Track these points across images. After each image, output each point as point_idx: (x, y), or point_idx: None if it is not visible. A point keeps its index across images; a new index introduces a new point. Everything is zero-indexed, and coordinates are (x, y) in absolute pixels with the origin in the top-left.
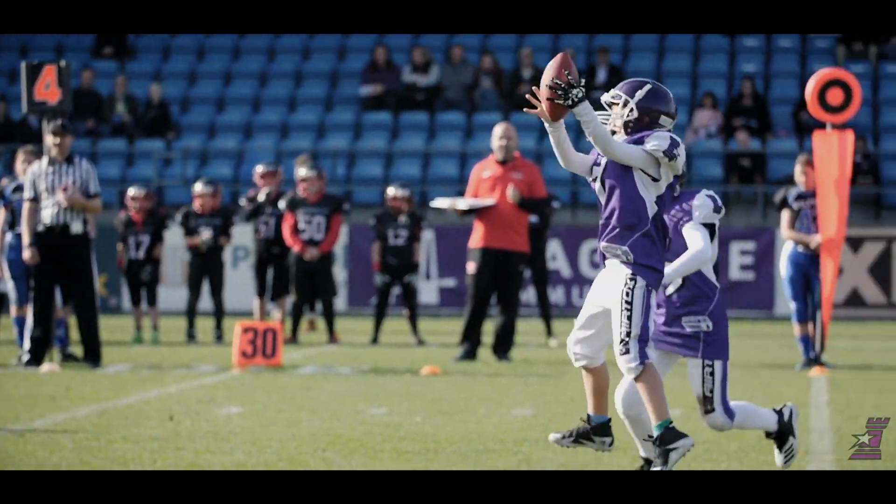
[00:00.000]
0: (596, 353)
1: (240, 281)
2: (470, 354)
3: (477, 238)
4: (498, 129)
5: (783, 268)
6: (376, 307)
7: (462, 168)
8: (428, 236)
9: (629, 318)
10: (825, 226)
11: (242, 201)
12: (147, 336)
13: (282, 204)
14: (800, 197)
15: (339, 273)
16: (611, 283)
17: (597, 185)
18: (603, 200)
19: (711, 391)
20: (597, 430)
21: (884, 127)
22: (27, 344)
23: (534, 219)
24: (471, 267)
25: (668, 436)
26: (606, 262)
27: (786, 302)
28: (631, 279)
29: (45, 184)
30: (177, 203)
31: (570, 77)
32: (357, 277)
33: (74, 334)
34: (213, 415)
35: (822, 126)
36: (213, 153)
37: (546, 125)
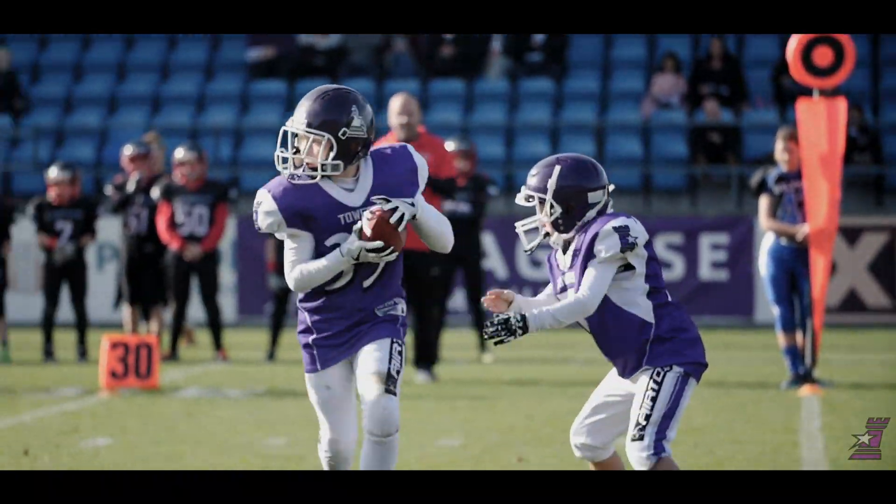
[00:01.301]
0: (604, 444)
1: (106, 286)
2: None
3: None
4: (396, 104)
5: (763, 265)
6: (272, 316)
7: None
8: None
9: (653, 399)
10: (813, 214)
11: (108, 190)
12: None
13: (155, 193)
14: (782, 179)
15: (227, 275)
16: None
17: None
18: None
19: (399, 375)
20: None
21: (885, 92)
22: None
23: (466, 208)
24: None
25: None
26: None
27: (767, 306)
28: (667, 365)
29: None
30: (27, 192)
31: (494, 322)
32: (248, 280)
33: None
34: (76, 448)
35: (808, 93)
36: (71, 131)
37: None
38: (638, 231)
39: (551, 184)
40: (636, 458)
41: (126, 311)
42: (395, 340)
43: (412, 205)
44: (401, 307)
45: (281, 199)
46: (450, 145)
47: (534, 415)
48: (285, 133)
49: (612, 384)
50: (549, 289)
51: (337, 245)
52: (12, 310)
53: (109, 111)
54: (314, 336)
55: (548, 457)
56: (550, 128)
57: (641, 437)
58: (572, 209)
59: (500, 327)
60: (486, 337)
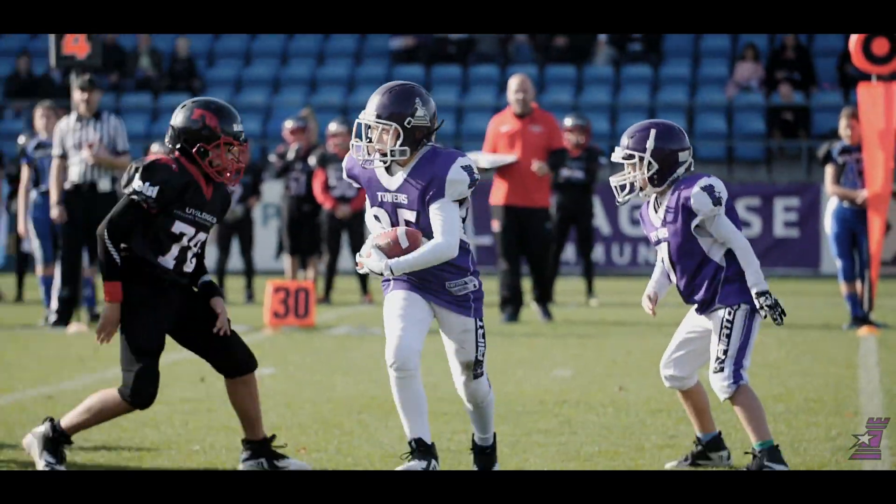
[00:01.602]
0: (688, 374)
1: (270, 239)
2: (513, 317)
3: (499, 195)
4: (513, 83)
5: (828, 224)
6: None
7: None
8: None
9: (728, 336)
10: (871, 180)
11: (272, 158)
12: None
13: (312, 160)
14: (844, 151)
15: None
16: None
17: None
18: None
19: (483, 355)
20: (710, 447)
21: None
22: (54, 304)
23: (580, 174)
24: (495, 225)
25: (771, 457)
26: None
27: (832, 260)
28: (735, 304)
29: (73, 140)
30: None
31: None
32: None
33: (102, 294)
34: None
35: (867, 78)
36: (241, 108)
37: None
38: (721, 188)
39: (649, 144)
40: (719, 387)
41: (287, 261)
42: (479, 326)
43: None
44: (472, 284)
45: (347, 164)
46: (568, 121)
47: (633, 350)
48: (359, 125)
49: (692, 322)
50: (657, 270)
51: (377, 218)
52: None
53: (273, 91)
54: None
55: (645, 387)
56: (649, 107)
57: (722, 370)
58: (665, 167)
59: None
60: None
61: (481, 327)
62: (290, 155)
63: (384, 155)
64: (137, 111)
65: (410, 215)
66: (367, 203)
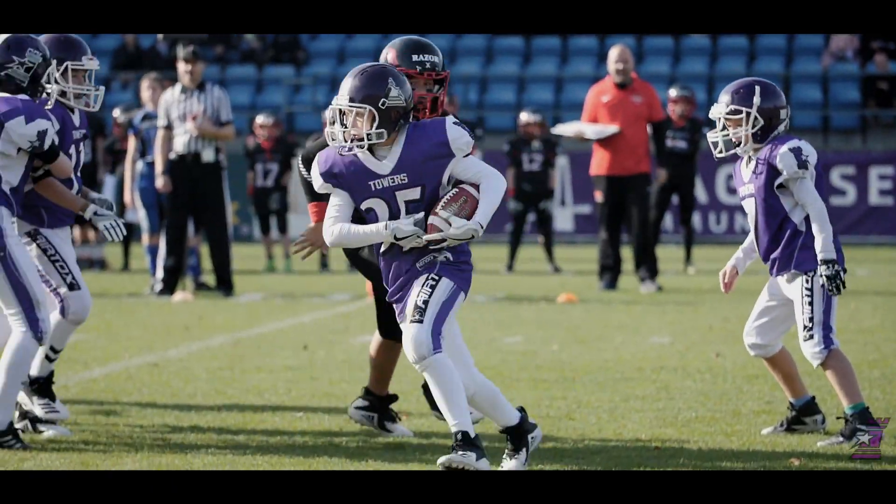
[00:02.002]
0: (771, 342)
1: None
2: (611, 285)
3: (601, 165)
4: (614, 53)
5: None
6: (511, 234)
7: None
8: (562, 162)
9: (810, 304)
10: None
11: None
12: (279, 265)
13: None
14: None
15: None
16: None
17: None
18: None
19: (426, 304)
20: (804, 412)
21: None
22: (160, 273)
23: (683, 144)
24: (598, 195)
25: (862, 419)
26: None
27: None
28: (811, 270)
29: (178, 111)
30: (307, 130)
31: None
32: None
33: (207, 263)
34: (347, 344)
35: None
36: (343, 78)
37: None
38: (809, 152)
39: (756, 100)
40: (811, 353)
41: None
42: (429, 276)
43: (479, 227)
44: (444, 256)
45: (323, 164)
46: (672, 91)
47: (729, 317)
48: (334, 111)
49: (772, 291)
50: (747, 240)
51: (371, 210)
52: (294, 228)
53: (374, 61)
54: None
55: (741, 353)
56: (745, 77)
57: (811, 336)
58: (769, 123)
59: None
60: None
61: (435, 280)
62: None
63: (361, 140)
64: (242, 82)
65: (414, 193)
66: (344, 204)
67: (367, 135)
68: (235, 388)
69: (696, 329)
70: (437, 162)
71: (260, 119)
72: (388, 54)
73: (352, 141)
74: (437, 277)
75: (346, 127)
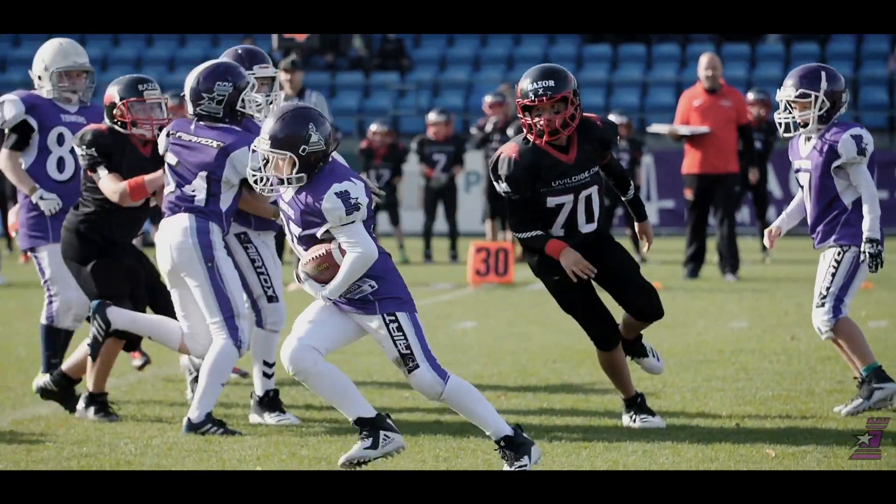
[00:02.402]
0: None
1: (472, 204)
2: (694, 274)
3: (693, 164)
4: (704, 60)
5: None
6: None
7: (677, 97)
8: (647, 161)
9: (833, 275)
10: None
11: (473, 130)
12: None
13: (510, 131)
14: None
15: None
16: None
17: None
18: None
19: (408, 347)
20: (878, 377)
21: None
22: None
23: (758, 145)
24: (688, 193)
25: (878, 378)
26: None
27: None
28: (846, 245)
29: None
30: (411, 132)
31: None
32: None
33: None
34: (450, 329)
35: None
36: (445, 84)
37: None
38: (868, 141)
39: (823, 85)
40: (820, 321)
41: (488, 224)
42: (389, 320)
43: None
44: (367, 286)
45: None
46: (751, 95)
47: (803, 303)
48: (255, 154)
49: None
50: (793, 202)
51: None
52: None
53: (474, 69)
54: None
55: (814, 336)
56: None
57: (823, 304)
58: (833, 106)
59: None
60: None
61: (393, 320)
62: (489, 127)
63: (281, 182)
64: (350, 88)
65: (297, 230)
66: None
67: (287, 178)
68: (346, 370)
69: (772, 314)
70: (313, 219)
71: (374, 126)
72: (519, 85)
73: (271, 182)
74: (392, 317)
75: (267, 168)
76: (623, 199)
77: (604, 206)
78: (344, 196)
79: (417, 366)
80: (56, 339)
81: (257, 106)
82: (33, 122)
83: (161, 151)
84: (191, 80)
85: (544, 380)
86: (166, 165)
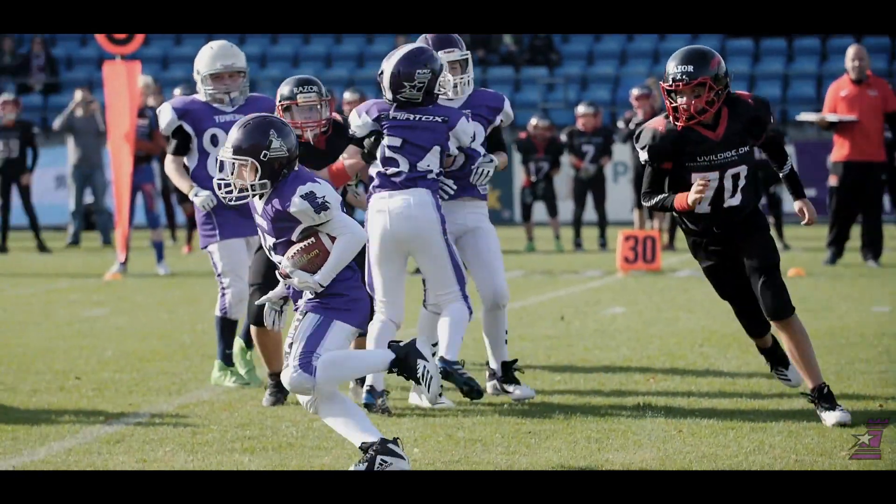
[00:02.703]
0: None
1: (620, 194)
2: (833, 261)
3: (841, 152)
4: (851, 51)
5: None
6: None
7: (818, 88)
8: (789, 150)
9: None
10: None
11: (620, 123)
12: (550, 245)
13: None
14: None
15: None
16: None
17: None
18: None
19: (290, 345)
20: None
21: None
22: None
23: (888, 135)
24: (833, 180)
25: None
26: None
27: None
28: None
29: None
30: (560, 124)
31: None
32: None
33: None
34: (599, 315)
35: None
36: (592, 78)
37: None
38: None
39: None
40: None
41: (635, 213)
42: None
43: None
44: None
45: None
46: None
47: None
48: (221, 162)
49: None
50: None
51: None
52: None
53: (620, 63)
54: None
55: None
56: None
57: None
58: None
59: None
60: None
61: (299, 319)
62: (635, 120)
63: (245, 190)
64: (501, 82)
65: (271, 241)
66: None
67: (252, 185)
68: None
69: None
70: (285, 224)
71: (534, 120)
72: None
73: (238, 191)
74: (300, 316)
75: (231, 175)
76: (780, 175)
77: (757, 185)
78: (310, 197)
79: (287, 365)
80: (230, 330)
81: (453, 87)
82: (188, 128)
83: (360, 134)
84: (388, 68)
85: (691, 363)
86: (385, 148)
